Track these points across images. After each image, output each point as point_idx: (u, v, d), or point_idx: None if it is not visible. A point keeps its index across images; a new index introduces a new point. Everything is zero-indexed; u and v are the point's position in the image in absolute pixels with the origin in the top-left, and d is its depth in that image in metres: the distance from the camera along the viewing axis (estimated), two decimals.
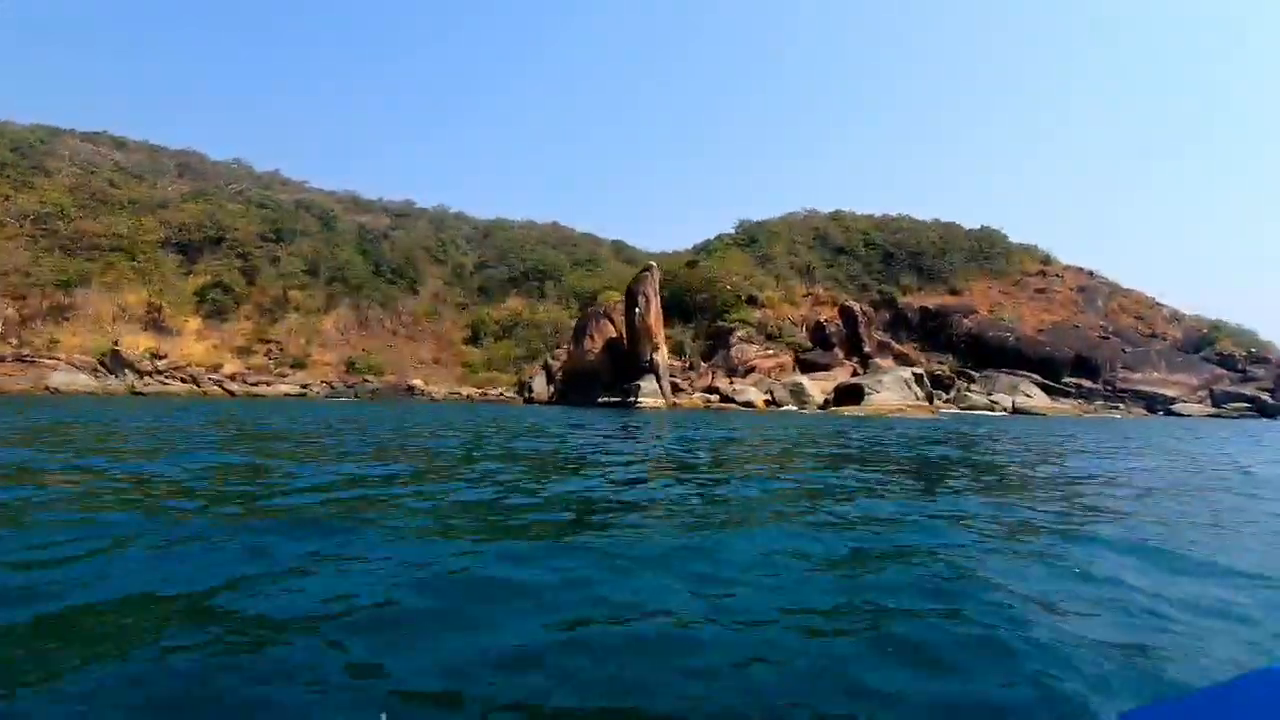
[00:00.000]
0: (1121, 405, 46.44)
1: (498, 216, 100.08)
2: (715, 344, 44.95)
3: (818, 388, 33.86)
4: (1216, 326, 54.87)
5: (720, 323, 45.32)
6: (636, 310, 31.34)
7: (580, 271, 79.58)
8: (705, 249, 68.05)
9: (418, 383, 54.00)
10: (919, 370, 36.07)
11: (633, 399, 27.85)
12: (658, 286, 33.03)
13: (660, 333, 32.17)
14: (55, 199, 49.83)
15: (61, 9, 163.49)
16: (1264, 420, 39.76)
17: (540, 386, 37.10)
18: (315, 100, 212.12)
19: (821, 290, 53.46)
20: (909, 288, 61.71)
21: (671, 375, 40.55)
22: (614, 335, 33.09)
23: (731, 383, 37.52)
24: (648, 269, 34.00)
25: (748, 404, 31.51)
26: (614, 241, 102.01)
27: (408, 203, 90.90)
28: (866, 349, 44.20)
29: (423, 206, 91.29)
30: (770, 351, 40.93)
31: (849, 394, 32.28)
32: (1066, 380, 49.58)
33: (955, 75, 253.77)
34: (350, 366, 54.87)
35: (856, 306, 46.63)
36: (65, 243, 48.19)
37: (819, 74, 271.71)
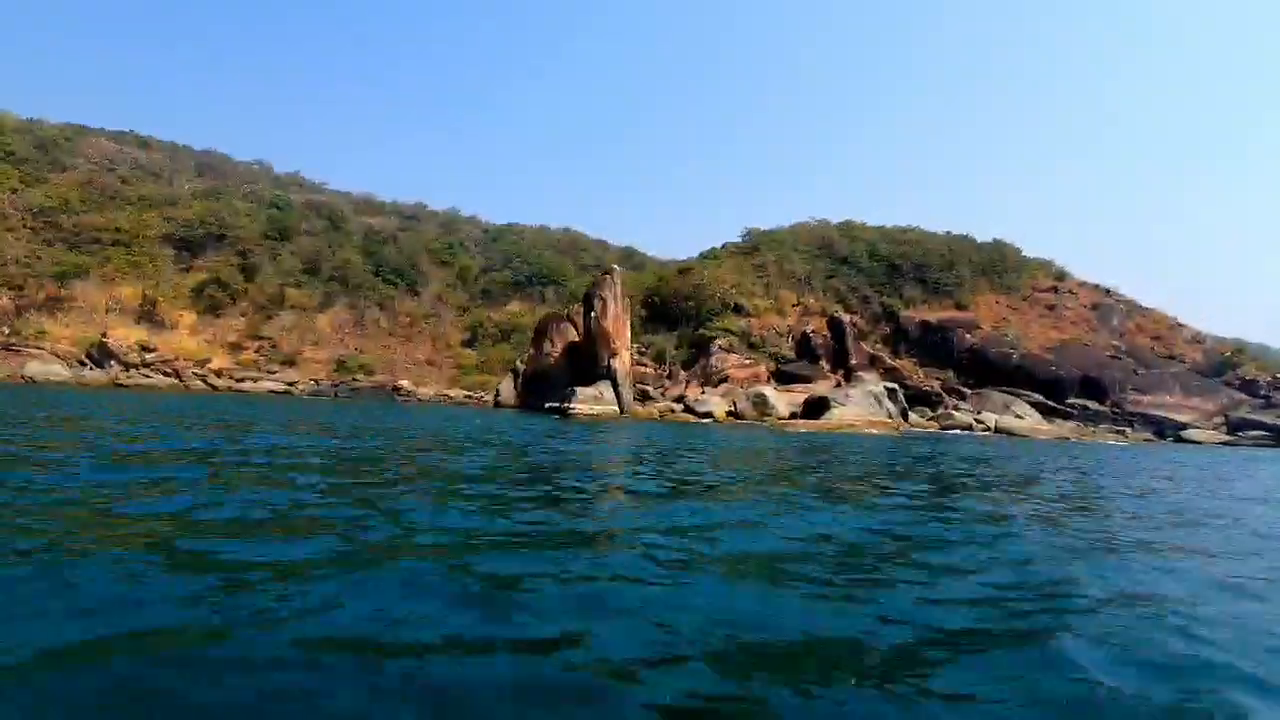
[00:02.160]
0: (1129, 429, 43.88)
1: (510, 221, 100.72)
2: (697, 352, 43.83)
3: (785, 400, 32.46)
4: (1240, 349, 51.67)
5: (703, 330, 44.19)
6: (593, 314, 30.46)
7: (587, 276, 79.02)
8: (708, 256, 67.08)
9: (405, 383, 53.97)
10: (893, 385, 34.38)
11: (567, 405, 26.90)
12: (619, 290, 32.11)
13: (621, 337, 31.23)
14: (61, 193, 51.23)
15: (101, 11, 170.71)
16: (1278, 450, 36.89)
17: (507, 390, 36.46)
18: (342, 104, 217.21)
19: (813, 300, 51.88)
20: (912, 300, 59.66)
21: (644, 382, 39.62)
22: (576, 339, 32.28)
23: (703, 392, 36.38)
24: (608, 272, 33.19)
25: (707, 415, 30.32)
26: (624, 248, 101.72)
27: (420, 205, 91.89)
28: (853, 361, 42.54)
29: (434, 209, 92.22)
30: (747, 361, 39.64)
31: (816, 407, 30.87)
32: (1072, 401, 47.12)
33: (977, 86, 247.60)
34: (340, 365, 55.10)
35: (846, 318, 45.01)
36: (67, 236, 49.46)
37: (838, 86, 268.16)
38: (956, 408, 39.60)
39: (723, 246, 70.47)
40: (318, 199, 78.42)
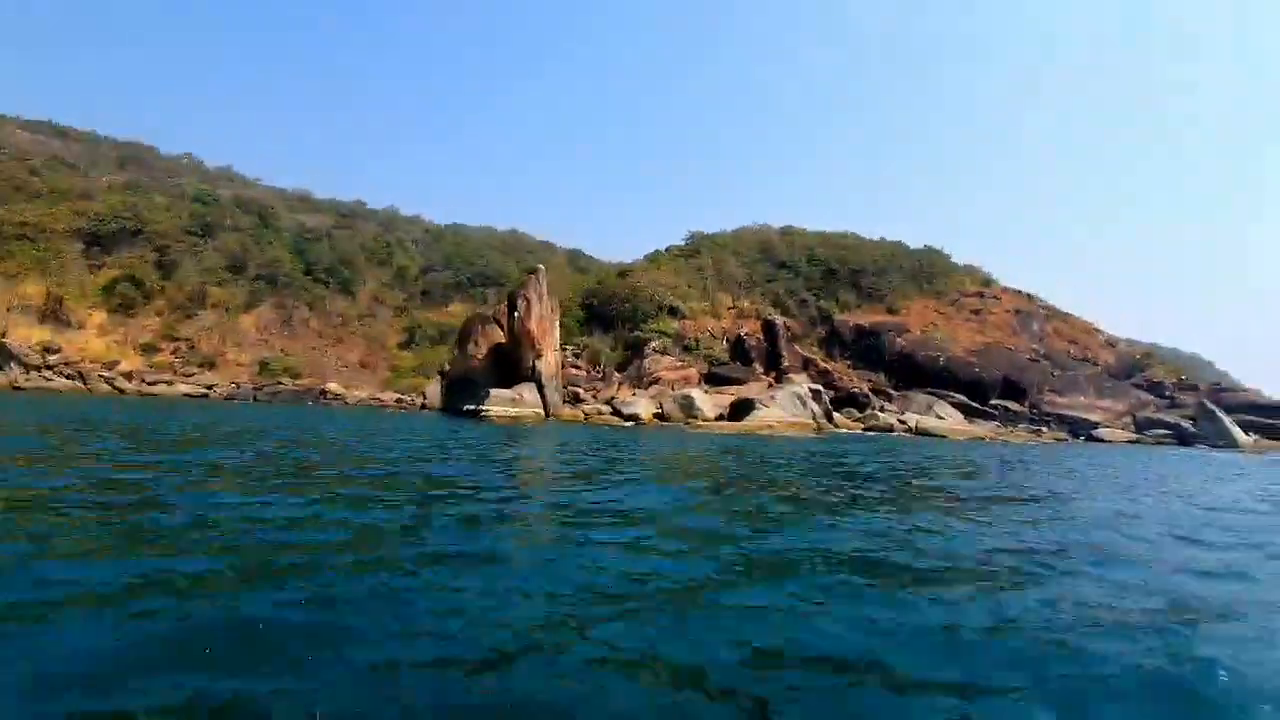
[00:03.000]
0: (1045, 429, 45.75)
1: (454, 222, 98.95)
2: (632, 355, 43.69)
3: (712, 402, 32.59)
4: (1150, 353, 54.56)
5: (637, 333, 44.10)
6: (516, 315, 29.97)
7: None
8: (652, 259, 67.13)
9: (333, 386, 52.15)
10: (817, 387, 34.92)
11: (480, 408, 26.33)
12: (544, 291, 31.68)
13: (546, 339, 30.79)
14: None
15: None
16: (1180, 449, 38.93)
17: (433, 393, 35.57)
18: (290, 101, 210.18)
19: (748, 304, 52.46)
20: (847, 304, 60.98)
21: (575, 384, 39.23)
22: (502, 341, 31.67)
23: (633, 394, 36.21)
24: (533, 271, 32.73)
25: (632, 417, 30.15)
26: (571, 250, 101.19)
27: (358, 203, 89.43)
28: (785, 364, 43.12)
29: (374, 208, 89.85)
30: (679, 364, 39.72)
31: (741, 409, 31.09)
32: (995, 402, 48.88)
33: (924, 102, 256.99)
34: (264, 368, 52.92)
35: (779, 321, 45.63)
36: None
37: (790, 96, 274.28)
38: (882, 409, 40.53)
39: (666, 249, 70.70)
40: (248, 194, 75.32)
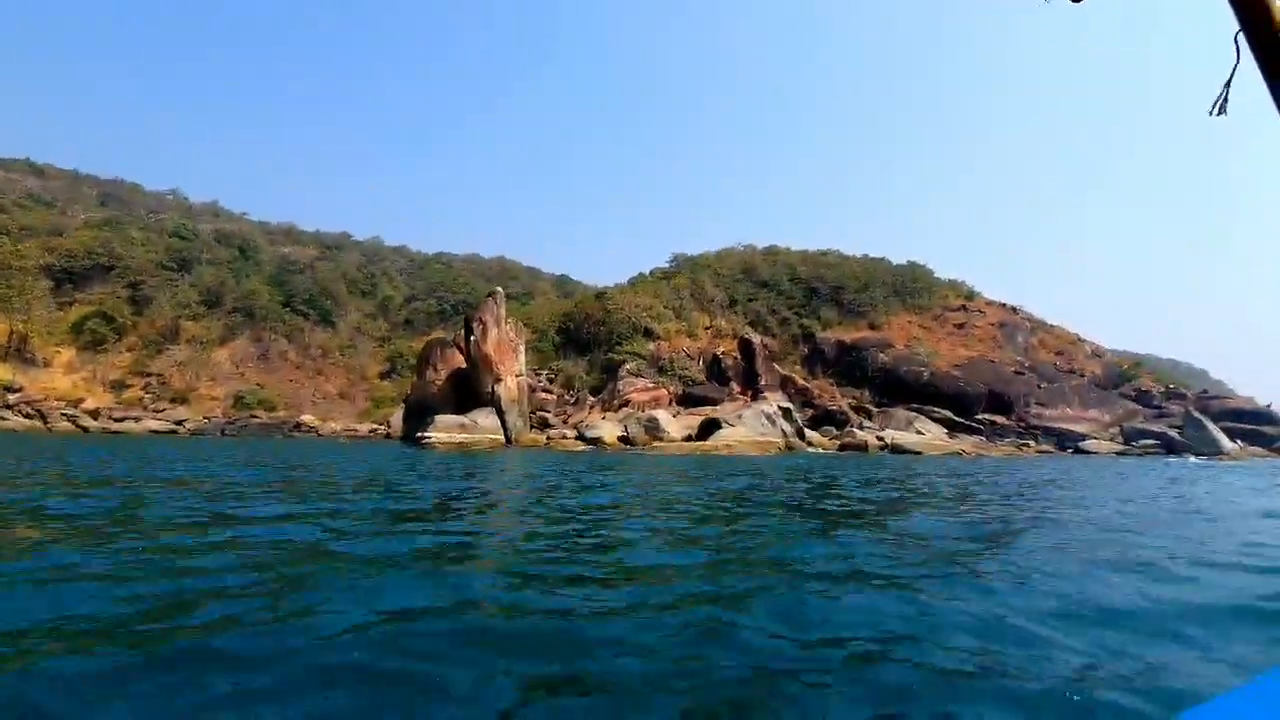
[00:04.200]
0: (1032, 442, 44.80)
1: (440, 250, 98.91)
2: (607, 378, 42.89)
3: (681, 423, 31.69)
4: (1138, 363, 53.76)
5: (611, 355, 43.37)
6: (472, 339, 29.19)
7: (513, 305, 77.87)
8: (635, 282, 66.72)
9: (307, 418, 51.28)
10: (787, 406, 34.04)
11: (422, 435, 25.41)
12: (502, 314, 30.97)
13: (505, 362, 29.98)
14: None
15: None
16: (1169, 458, 37.85)
17: (397, 421, 34.69)
18: (279, 138, 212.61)
19: (724, 323, 51.79)
20: (829, 322, 60.38)
21: (544, 409, 38.34)
22: (462, 365, 30.87)
23: (603, 417, 35.32)
24: (491, 295, 32.08)
25: (595, 441, 29.23)
26: (558, 276, 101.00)
27: (343, 235, 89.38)
28: (762, 382, 42.28)
29: (358, 239, 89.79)
30: (651, 385, 38.87)
31: (707, 429, 30.19)
32: (980, 416, 47.99)
33: (905, 117, 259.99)
34: (238, 401, 52.03)
35: (756, 339, 44.88)
36: None
37: (770, 119, 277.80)
38: (861, 426, 39.56)
39: (650, 272, 70.38)
40: (230, 228, 75.24)
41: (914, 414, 41.72)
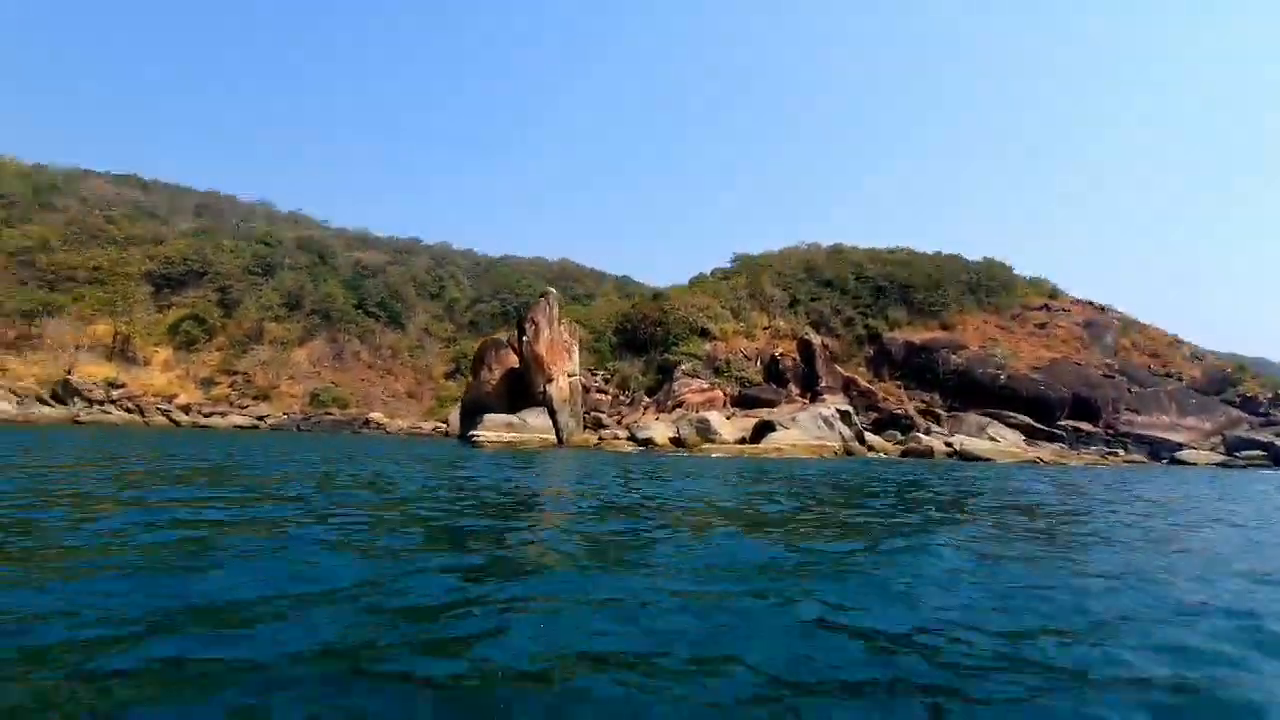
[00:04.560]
0: (1121, 451, 41.51)
1: (505, 253, 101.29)
2: (663, 378, 42.60)
3: (734, 425, 30.99)
4: (1241, 366, 48.97)
5: (667, 356, 43.04)
6: (525, 339, 29.47)
7: (574, 306, 78.81)
8: (695, 282, 66.21)
9: (376, 416, 53.47)
10: (846, 408, 32.66)
11: (472, 434, 25.76)
12: (555, 314, 31.14)
13: (558, 363, 30.14)
14: (41, 234, 52.23)
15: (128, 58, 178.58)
16: (1268, 471, 34.11)
17: (454, 420, 35.56)
18: (359, 149, 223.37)
19: (783, 323, 50.48)
20: (897, 322, 58.00)
21: (599, 410, 38.41)
22: (515, 365, 31.28)
23: (657, 418, 35.05)
24: (544, 295, 32.31)
25: (646, 442, 28.97)
26: (620, 277, 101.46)
27: (413, 240, 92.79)
28: (822, 384, 40.91)
29: (427, 244, 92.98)
30: (706, 386, 38.26)
31: (762, 431, 29.43)
32: (1063, 423, 44.88)
33: (980, 110, 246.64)
34: (314, 398, 54.77)
35: (816, 340, 43.50)
36: (42, 275, 50.24)
37: (844, 117, 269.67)
38: (929, 431, 37.64)
39: (710, 273, 69.70)
40: (309, 234, 79.36)
41: (987, 419, 39.40)
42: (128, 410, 44.24)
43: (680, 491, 10.71)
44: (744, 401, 38.10)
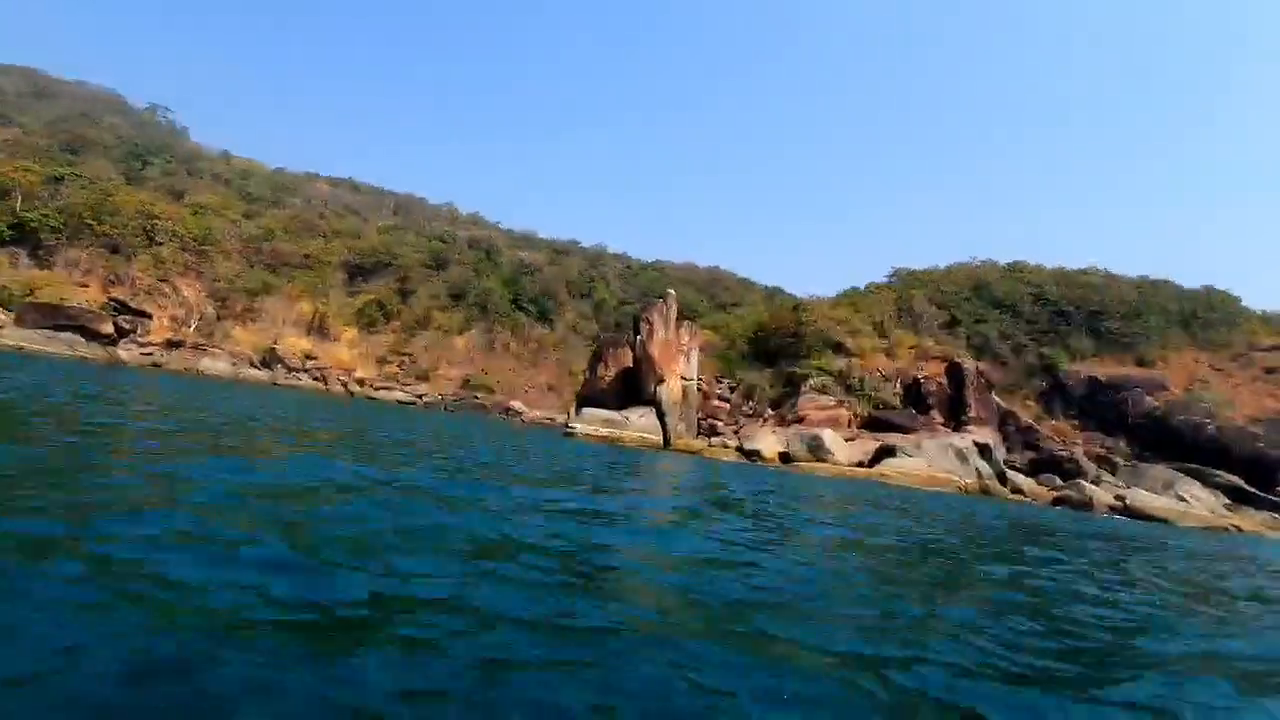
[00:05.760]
0: None
1: (657, 258, 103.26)
2: (789, 392, 40.89)
3: (854, 446, 28.80)
4: None
5: (795, 369, 41.20)
6: (639, 338, 29.65)
7: (721, 314, 78.33)
8: (846, 295, 63.06)
9: (516, 404, 56.90)
10: (984, 442, 28.84)
11: (569, 425, 26.12)
12: (672, 316, 30.95)
13: (669, 365, 29.96)
14: (269, 225, 62.20)
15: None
16: None
17: (573, 413, 36.61)
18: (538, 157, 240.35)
19: (933, 343, 46.03)
20: (1080, 353, 50.87)
21: (715, 417, 37.73)
22: (630, 365, 31.63)
23: (774, 431, 33.67)
24: (662, 296, 32.23)
25: (753, 454, 27.88)
26: (771, 288, 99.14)
27: (572, 241, 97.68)
28: (971, 414, 36.69)
29: (584, 245, 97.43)
30: (830, 403, 35.98)
31: (882, 455, 27.08)
32: None
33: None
34: (465, 382, 59.59)
35: (969, 365, 39.13)
36: (267, 260, 59.77)
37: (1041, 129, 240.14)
38: (1098, 480, 32.28)
39: (865, 287, 65.97)
40: (480, 234, 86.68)
41: (1178, 475, 32.89)
42: (314, 379, 51.07)
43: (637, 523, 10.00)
44: (874, 424, 35.35)
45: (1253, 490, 35.29)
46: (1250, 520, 29.05)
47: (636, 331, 30.30)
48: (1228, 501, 33.44)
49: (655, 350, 29.36)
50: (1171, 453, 40.64)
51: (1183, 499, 30.21)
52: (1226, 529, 24.72)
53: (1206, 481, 34.68)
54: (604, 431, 26.17)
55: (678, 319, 32.09)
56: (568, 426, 27.01)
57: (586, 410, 27.91)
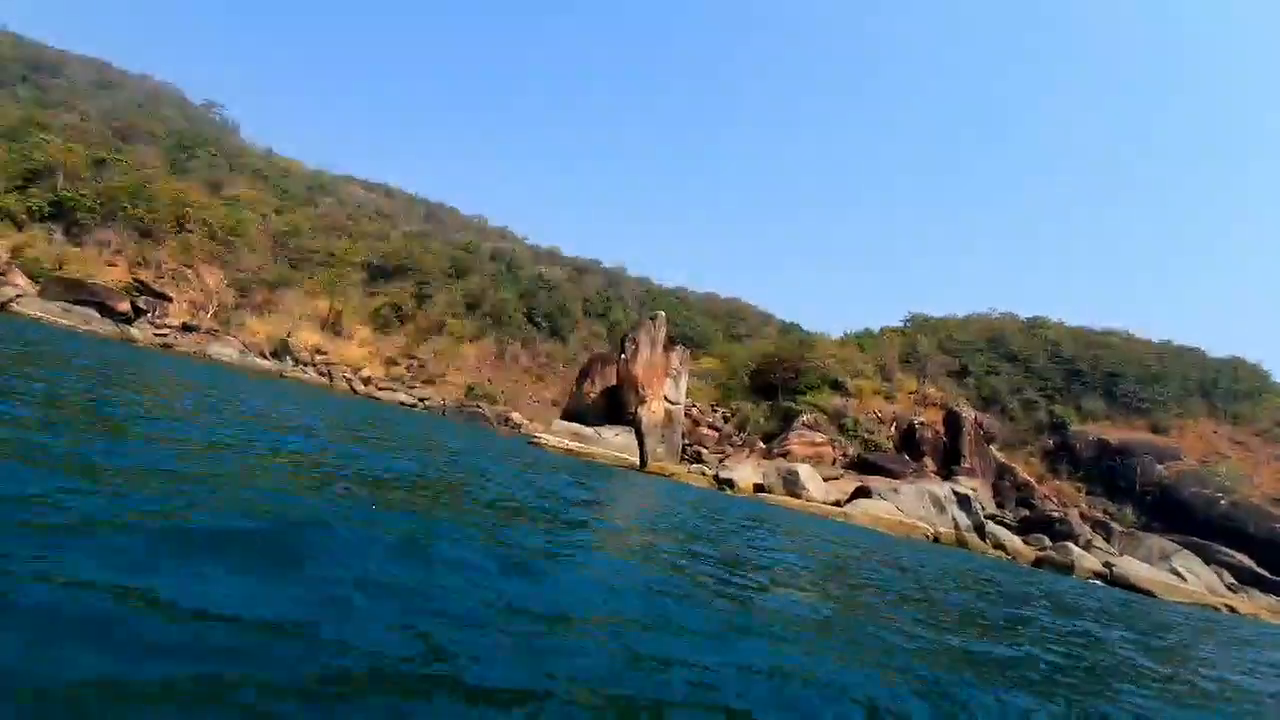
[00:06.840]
0: None
1: (679, 285, 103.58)
2: (784, 425, 40.34)
3: (830, 485, 28.14)
4: None
5: (790, 403, 40.66)
6: (623, 357, 29.56)
7: (730, 344, 78.00)
8: (855, 335, 62.40)
9: (515, 416, 57.00)
10: (964, 492, 27.85)
11: (535, 436, 25.91)
12: (659, 337, 30.82)
13: (652, 386, 29.75)
14: (296, 222, 64.03)
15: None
16: None
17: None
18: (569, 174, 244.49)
19: (934, 390, 45.05)
20: (1092, 414, 49.31)
21: (702, 444, 37.30)
22: (615, 383, 31.53)
23: (759, 464, 33.13)
24: (652, 316, 32.13)
25: (727, 483, 27.39)
26: (788, 323, 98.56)
27: (593, 260, 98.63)
28: (965, 464, 35.78)
29: (605, 265, 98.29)
30: (817, 440, 35.34)
31: (857, 496, 26.40)
32: None
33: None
34: (469, 391, 59.98)
35: (968, 414, 38.22)
36: (290, 255, 61.41)
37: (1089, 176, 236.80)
38: (1088, 545, 30.92)
39: (880, 330, 65.25)
40: (504, 246, 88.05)
41: (1178, 548, 31.38)
42: (320, 374, 51.90)
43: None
44: (861, 465, 34.59)
45: (1263, 572, 33.55)
46: (1251, 603, 27.48)
47: (621, 350, 30.24)
48: (1232, 581, 31.80)
49: (639, 370, 29.23)
50: (1180, 525, 38.98)
51: (1178, 573, 28.77)
52: (1217, 609, 23.35)
53: (1210, 558, 33.08)
54: (572, 445, 25.94)
55: (668, 342, 31.94)
56: (534, 436, 26.90)
57: (560, 423, 27.80)
